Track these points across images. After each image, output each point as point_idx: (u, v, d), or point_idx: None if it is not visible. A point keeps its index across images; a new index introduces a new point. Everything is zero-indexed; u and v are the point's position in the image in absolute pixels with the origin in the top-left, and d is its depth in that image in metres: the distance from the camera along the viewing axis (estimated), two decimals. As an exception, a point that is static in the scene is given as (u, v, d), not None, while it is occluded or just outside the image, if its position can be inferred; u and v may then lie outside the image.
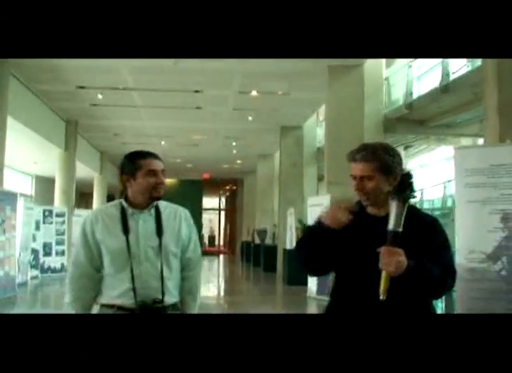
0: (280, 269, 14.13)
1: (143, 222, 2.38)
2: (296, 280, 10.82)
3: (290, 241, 12.03)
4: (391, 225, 1.82)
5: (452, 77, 8.83)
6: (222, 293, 12.54)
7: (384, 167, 1.94)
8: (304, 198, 13.54)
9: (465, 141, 11.07)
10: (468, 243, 4.15)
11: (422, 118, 10.07)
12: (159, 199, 2.41)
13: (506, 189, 4.07)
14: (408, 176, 1.93)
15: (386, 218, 1.88)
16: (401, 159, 1.99)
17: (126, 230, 2.35)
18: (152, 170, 2.35)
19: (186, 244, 2.47)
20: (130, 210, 2.39)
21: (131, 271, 2.31)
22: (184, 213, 2.50)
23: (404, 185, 1.90)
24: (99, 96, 12.11)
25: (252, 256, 18.58)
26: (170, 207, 2.49)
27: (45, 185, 19.84)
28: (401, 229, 1.82)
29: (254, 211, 21.36)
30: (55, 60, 9.68)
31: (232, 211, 31.69)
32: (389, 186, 1.94)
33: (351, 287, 2.00)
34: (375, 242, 1.84)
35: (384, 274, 1.81)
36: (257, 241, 18.01)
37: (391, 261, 1.79)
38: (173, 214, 2.46)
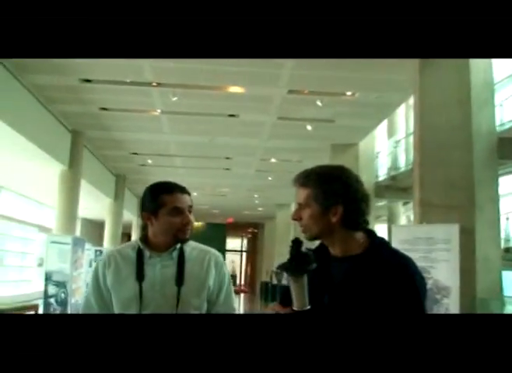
0: (294, 307, 16.11)
1: (161, 267, 2.00)
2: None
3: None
4: (295, 306, 1.47)
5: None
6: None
7: (317, 195, 1.56)
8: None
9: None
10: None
11: (404, 187, 12.11)
12: (184, 241, 2.04)
13: (422, 252, 6.50)
14: (295, 244, 1.49)
15: (345, 259, 1.57)
16: (346, 188, 1.56)
17: (140, 276, 1.97)
18: (178, 208, 1.98)
19: (215, 295, 2.03)
20: (147, 253, 2.01)
21: None
22: (214, 257, 2.07)
23: (291, 254, 1.49)
24: (149, 161, 14.65)
25: (270, 295, 20.16)
26: (198, 249, 2.08)
27: (90, 227, 22.35)
28: (308, 307, 1.46)
29: (272, 254, 22.99)
30: (118, 133, 12.12)
31: (253, 253, 33.13)
32: (327, 220, 1.57)
33: None
34: (328, 289, 1.52)
35: None
36: (275, 281, 19.62)
37: None
38: (201, 258, 2.05)
